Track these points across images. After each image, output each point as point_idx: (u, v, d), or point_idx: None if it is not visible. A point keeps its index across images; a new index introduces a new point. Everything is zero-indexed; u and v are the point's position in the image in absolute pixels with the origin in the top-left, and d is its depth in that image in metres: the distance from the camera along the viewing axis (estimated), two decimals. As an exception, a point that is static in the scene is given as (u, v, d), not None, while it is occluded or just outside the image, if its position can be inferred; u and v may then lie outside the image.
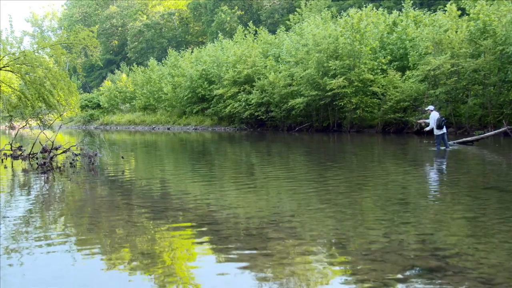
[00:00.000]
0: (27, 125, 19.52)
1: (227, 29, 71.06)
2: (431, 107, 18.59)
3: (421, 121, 18.57)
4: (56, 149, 15.84)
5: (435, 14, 32.36)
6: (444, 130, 17.63)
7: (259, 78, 38.30)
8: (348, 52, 31.80)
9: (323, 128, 34.87)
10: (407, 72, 29.86)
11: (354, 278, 4.55)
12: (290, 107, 34.87)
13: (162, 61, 60.66)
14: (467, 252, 5.19)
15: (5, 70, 21.28)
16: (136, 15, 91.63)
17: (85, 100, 66.78)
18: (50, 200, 9.19)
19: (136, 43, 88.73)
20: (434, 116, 17.78)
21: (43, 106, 21.76)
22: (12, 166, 15.24)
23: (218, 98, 42.76)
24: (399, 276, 4.52)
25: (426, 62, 27.53)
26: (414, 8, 37.95)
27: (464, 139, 20.46)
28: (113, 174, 13.19)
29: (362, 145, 20.63)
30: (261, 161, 16.79)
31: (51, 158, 14.75)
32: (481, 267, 4.69)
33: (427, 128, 18.52)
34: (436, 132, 17.57)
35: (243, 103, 39.01)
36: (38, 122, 21.15)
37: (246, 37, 46.40)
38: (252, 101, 37.92)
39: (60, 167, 14.32)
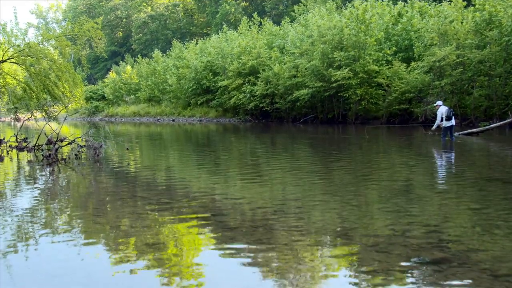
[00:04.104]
0: (32, 117, 19.56)
1: (232, 20, 70.87)
2: (439, 102, 18.57)
3: (434, 128, 18.51)
4: (61, 140, 15.90)
5: (441, 5, 32.12)
6: (453, 122, 17.64)
7: (263, 70, 38.21)
8: (353, 43, 31.65)
9: (328, 119, 34.81)
10: (412, 63, 29.73)
11: (359, 269, 4.56)
12: (295, 99, 34.83)
13: (167, 53, 60.60)
14: (472, 244, 5.19)
15: (10, 62, 21.31)
16: (141, 6, 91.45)
17: (90, 92, 66.85)
18: (56, 192, 9.22)
19: (141, 34, 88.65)
20: (441, 110, 17.80)
21: (48, 98, 21.82)
22: (17, 158, 15.31)
23: (222, 90, 42.78)
24: (404, 267, 4.53)
25: (431, 53, 27.39)
26: (419, -1, 37.78)
27: (470, 131, 20.42)
28: (118, 166, 13.23)
29: (368, 136, 20.60)
30: (266, 152, 16.79)
31: (56, 149, 14.80)
32: (486, 259, 4.69)
33: (434, 126, 18.52)
34: (445, 123, 17.57)
35: (248, 94, 38.98)
36: (43, 114, 21.23)
37: (250, 28, 46.18)
38: (257, 92, 37.85)
39: (65, 158, 14.37)
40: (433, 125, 19.20)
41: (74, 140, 15.96)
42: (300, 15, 48.26)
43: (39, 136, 17.27)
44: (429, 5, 35.72)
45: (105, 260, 4.99)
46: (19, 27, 25.80)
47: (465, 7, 29.54)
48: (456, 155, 14.45)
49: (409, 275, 4.36)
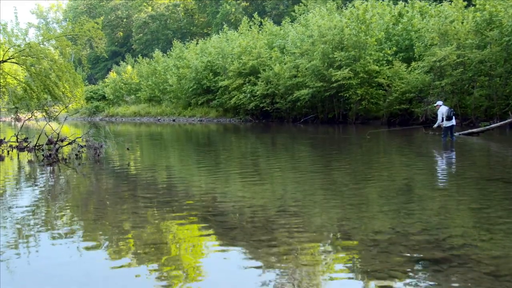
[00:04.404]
0: (32, 117, 19.58)
1: (232, 20, 70.89)
2: (439, 102, 18.57)
3: (436, 125, 18.53)
4: (62, 140, 15.90)
5: (441, 5, 32.12)
6: (453, 122, 17.63)
7: (264, 70, 38.19)
8: (354, 43, 31.65)
9: (329, 119, 34.80)
10: (413, 63, 29.70)
11: (359, 269, 4.56)
12: (295, 99, 34.82)
13: (167, 53, 60.60)
14: (472, 244, 5.18)
15: (11, 62, 21.34)
16: (141, 6, 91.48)
17: (90, 92, 66.82)
18: (56, 191, 9.23)
19: (141, 34, 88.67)
20: (442, 110, 17.79)
21: (48, 98, 21.88)
22: (18, 158, 15.31)
23: (223, 90, 42.77)
24: (404, 267, 4.53)
25: (431, 53, 27.36)
26: (420, -1, 37.78)
27: (470, 131, 20.41)
28: (118, 166, 13.23)
29: (369, 136, 20.59)
30: (266, 152, 16.79)
31: (57, 149, 14.80)
32: (486, 259, 4.69)
33: (435, 125, 18.51)
34: (445, 123, 17.57)
35: (248, 94, 38.97)
36: (44, 114, 21.26)
37: (251, 28, 46.19)
38: (257, 92, 37.82)
39: (65, 158, 14.37)
40: (433, 125, 19.22)
41: (74, 140, 15.97)
42: (300, 15, 48.25)
43: (39, 136, 17.27)
44: (430, 5, 35.70)
45: (105, 260, 4.99)
46: (20, 27, 25.82)
47: (466, 7, 29.51)
48: (456, 155, 14.44)
49: (409, 275, 4.36)
